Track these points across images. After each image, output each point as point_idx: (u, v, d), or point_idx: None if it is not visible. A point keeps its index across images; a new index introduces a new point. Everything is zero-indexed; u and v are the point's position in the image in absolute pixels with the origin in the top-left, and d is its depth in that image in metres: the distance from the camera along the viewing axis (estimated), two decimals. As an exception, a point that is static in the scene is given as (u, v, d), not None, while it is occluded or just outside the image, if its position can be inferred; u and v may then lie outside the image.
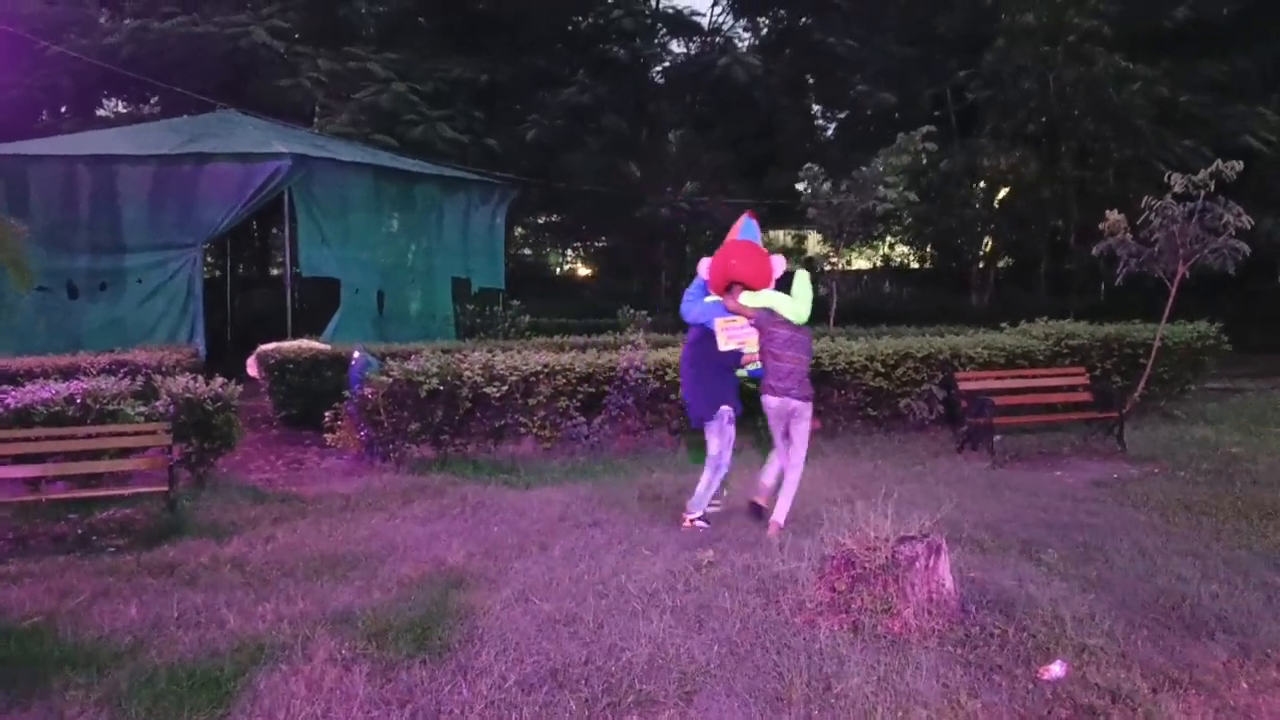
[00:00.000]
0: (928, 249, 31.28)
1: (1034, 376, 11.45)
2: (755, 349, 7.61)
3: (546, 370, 10.72)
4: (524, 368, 10.65)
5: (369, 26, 26.20)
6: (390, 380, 10.37)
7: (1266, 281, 25.04)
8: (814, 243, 33.16)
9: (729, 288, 7.67)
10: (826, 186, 17.81)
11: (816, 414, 11.06)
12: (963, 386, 11.15)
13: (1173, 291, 12.41)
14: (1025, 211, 21.94)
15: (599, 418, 10.96)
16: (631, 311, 18.22)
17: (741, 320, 7.65)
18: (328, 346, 13.80)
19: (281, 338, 15.30)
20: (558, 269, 42.47)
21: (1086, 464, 10.33)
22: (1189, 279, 12.43)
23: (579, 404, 10.91)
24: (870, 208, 16.77)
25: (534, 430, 10.74)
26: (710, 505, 7.85)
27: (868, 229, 18.69)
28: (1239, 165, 11.63)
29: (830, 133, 32.10)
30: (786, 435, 7.54)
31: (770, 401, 7.51)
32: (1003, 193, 24.75)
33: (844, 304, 18.46)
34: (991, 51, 21.32)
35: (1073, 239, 21.11)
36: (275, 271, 30.16)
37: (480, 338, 16.44)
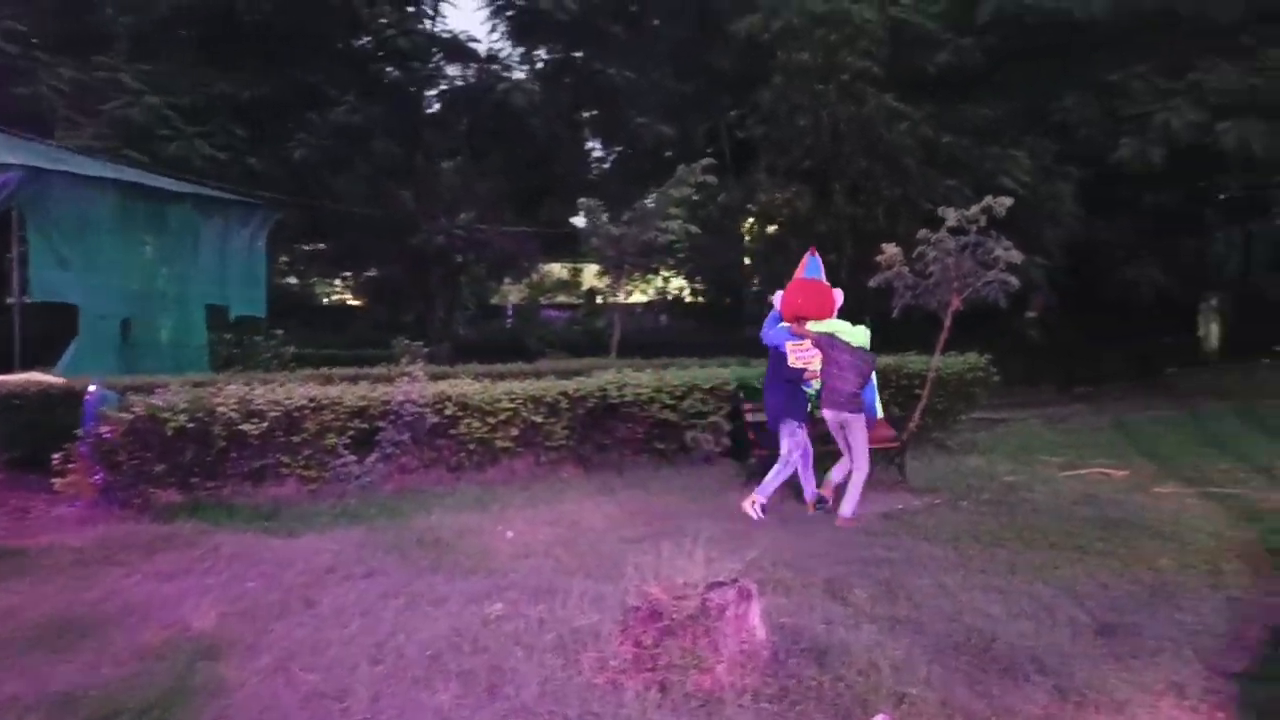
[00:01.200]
0: (703, 282, 31.63)
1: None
2: (817, 368, 9.29)
3: (313, 405, 9.85)
4: (287, 402, 9.75)
5: (120, 36, 24.24)
6: (132, 417, 9.25)
7: (1017, 315, 26.51)
8: (591, 275, 33.08)
9: (797, 317, 9.36)
10: (606, 218, 17.57)
11: (601, 447, 10.78)
12: (750, 418, 10.97)
13: (946, 323, 12.57)
14: (800, 246, 22.39)
15: (372, 456, 10.16)
16: (406, 342, 17.37)
17: (807, 344, 9.38)
18: (61, 380, 12.37)
19: (7, 370, 13.67)
20: (326, 298, 40.68)
21: (872, 495, 10.23)
22: (962, 311, 12.63)
23: (349, 441, 10.08)
24: (651, 239, 16.60)
25: (298, 470, 9.83)
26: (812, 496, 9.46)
27: (648, 261, 18.55)
28: (1009, 201, 11.91)
29: (608, 165, 32.10)
30: (847, 444, 9.18)
31: (827, 414, 9.23)
32: (771, 228, 25.40)
33: (625, 336, 18.22)
34: (767, 88, 21.73)
35: (844, 273, 21.60)
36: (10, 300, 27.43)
37: (238, 369, 15.21)
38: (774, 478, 9.16)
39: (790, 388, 9.45)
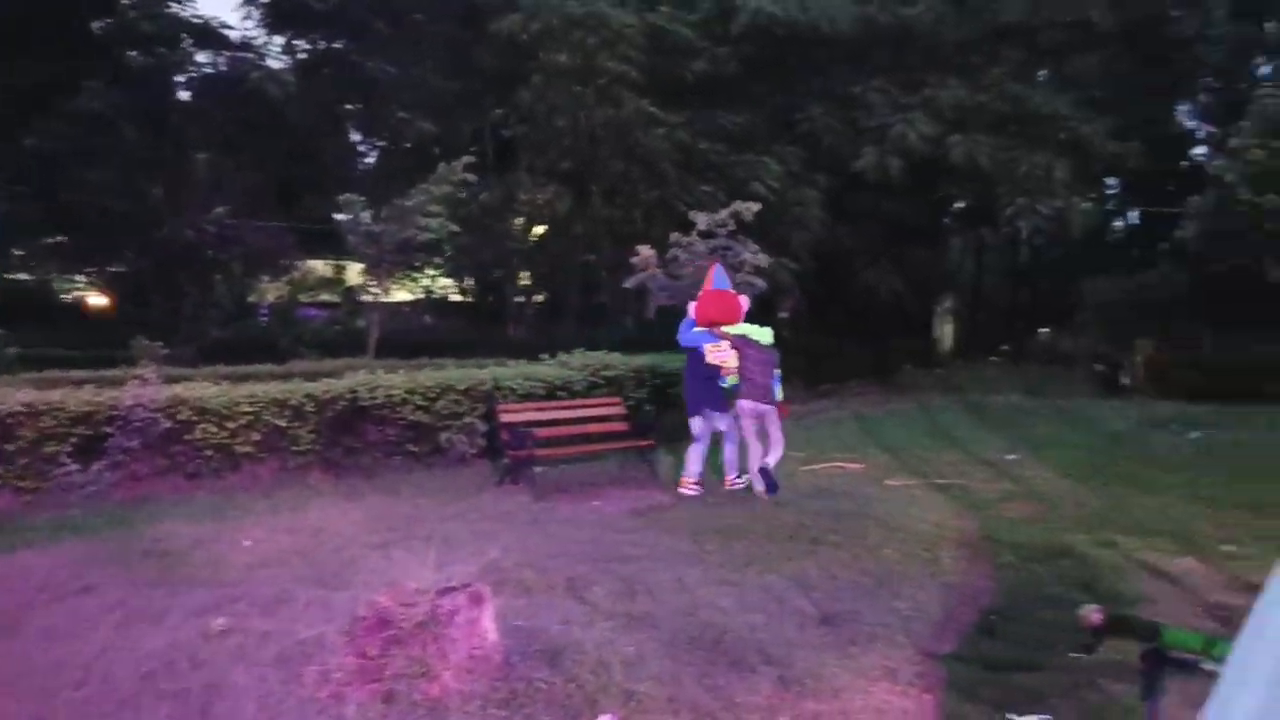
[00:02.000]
0: (468, 281, 31.25)
1: (573, 407, 11.50)
2: (734, 365, 10.34)
3: (28, 411, 9.08)
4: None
5: None
6: None
7: (769, 316, 27.38)
8: (355, 273, 32.07)
9: (712, 323, 10.51)
10: (367, 215, 17.07)
11: (351, 451, 10.51)
12: (504, 419, 10.91)
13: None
14: (560, 246, 22.50)
15: (99, 464, 9.46)
16: (145, 342, 16.30)
17: (725, 344, 10.43)
18: None
19: None
20: (66, 296, 37.70)
21: (625, 493, 10.44)
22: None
23: (72, 449, 9.35)
24: (411, 237, 16.24)
25: (13, 481, 9.04)
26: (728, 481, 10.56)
27: (408, 259, 18.15)
28: (756, 206, 12.39)
29: (372, 160, 31.27)
30: (762, 430, 10.26)
31: (746, 405, 10.23)
32: (538, 230, 25.38)
33: (385, 336, 17.74)
34: (527, 89, 21.64)
35: (604, 274, 21.84)
36: None
37: (-50, 373, 13.91)
38: (733, 456, 10.71)
39: (708, 383, 10.60)
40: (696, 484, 10.41)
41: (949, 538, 8.34)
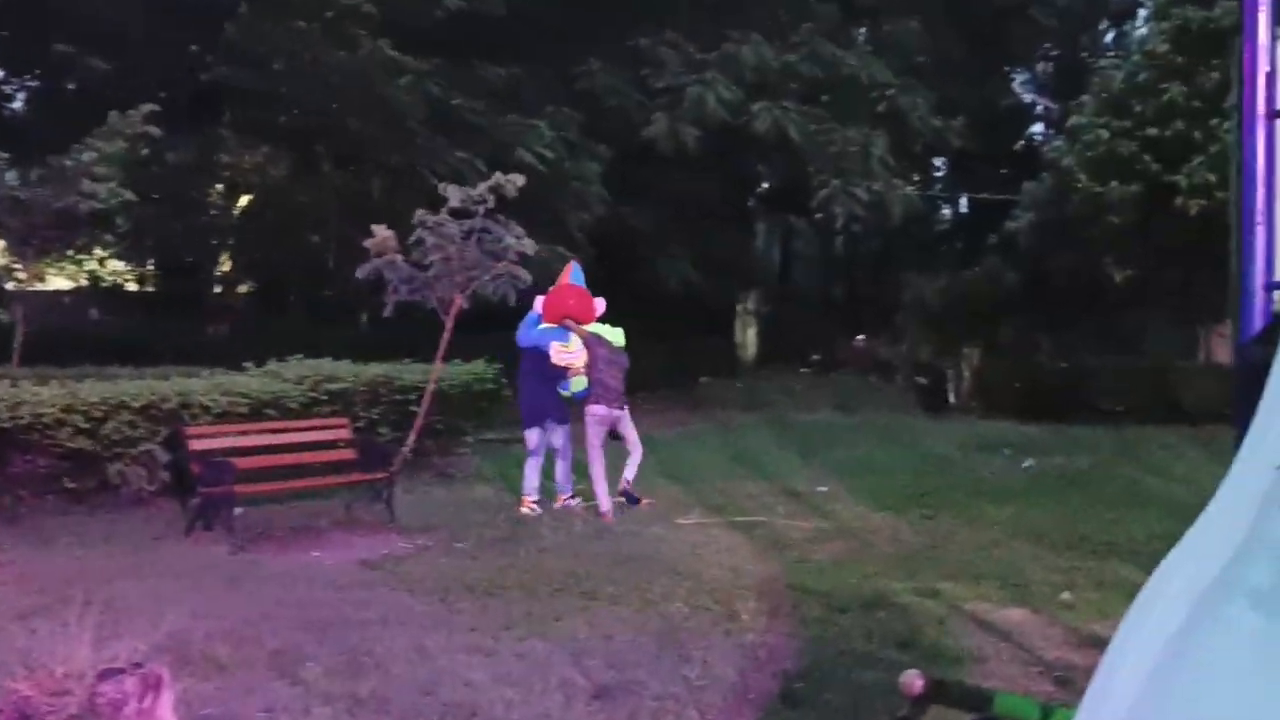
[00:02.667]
0: (150, 266, 29.83)
1: (287, 431, 11.28)
2: (581, 366, 11.54)
3: None
4: None
5: None
6: None
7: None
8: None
9: (563, 320, 11.63)
10: (12, 176, 16.08)
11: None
12: (194, 446, 10.46)
13: (448, 325, 12.79)
14: (276, 223, 21.77)
15: None
16: None
17: (573, 345, 11.63)
18: None
19: None
20: None
21: (353, 539, 10.29)
22: (467, 310, 12.91)
23: None
24: (71, 206, 15.34)
25: None
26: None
27: (67, 235, 17.16)
28: (520, 180, 12.31)
29: (18, 105, 29.47)
30: (614, 435, 11.70)
31: (599, 410, 11.48)
32: (244, 200, 24.50)
33: (36, 336, 16.67)
34: (235, 22, 20.87)
35: (332, 259, 21.32)
36: None
37: None
38: (566, 474, 12.17)
39: (550, 389, 11.80)
40: (536, 503, 11.62)
41: (748, 586, 8.53)
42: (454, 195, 12.44)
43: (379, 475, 11.05)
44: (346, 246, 19.44)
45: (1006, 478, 14.76)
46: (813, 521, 11.52)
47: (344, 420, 11.78)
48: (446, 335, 12.90)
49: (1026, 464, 15.92)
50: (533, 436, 11.89)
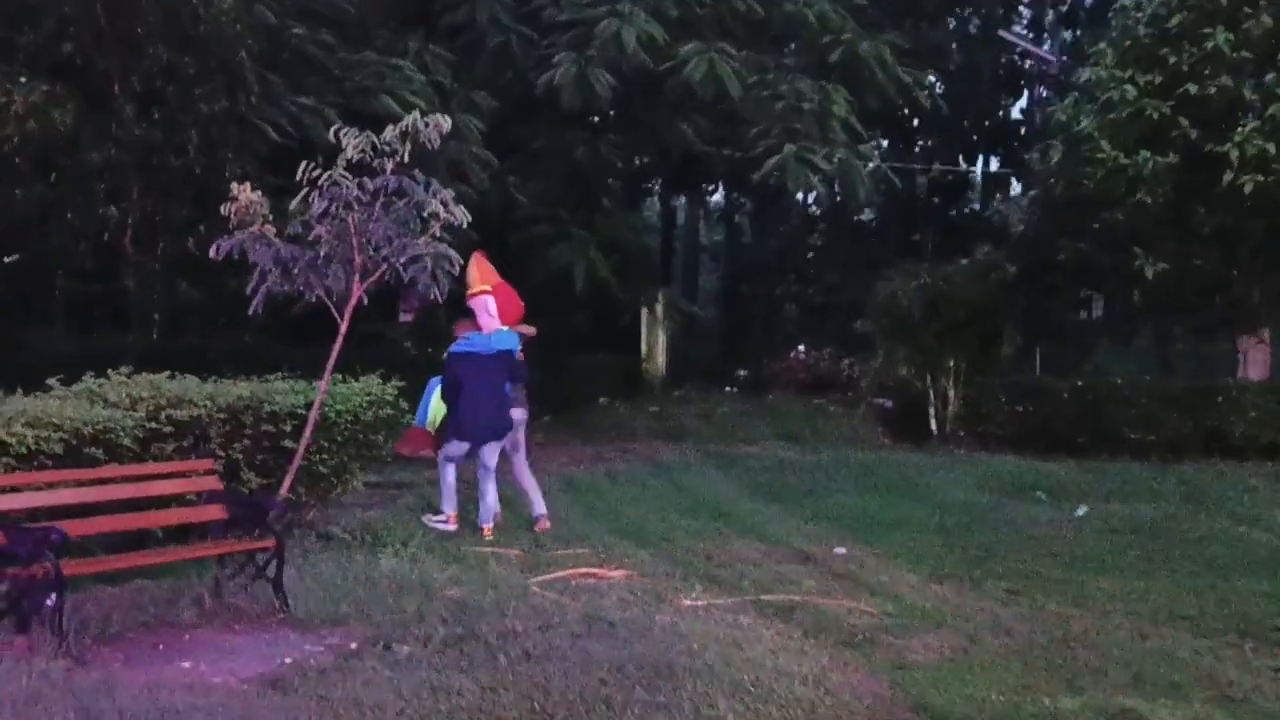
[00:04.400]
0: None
1: (125, 479, 9.50)
2: None
3: None
4: None
5: None
6: None
7: (383, 320, 25.81)
8: None
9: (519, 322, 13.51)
10: None
11: None
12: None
13: (342, 328, 11.49)
14: (56, 186, 19.77)
15: None
16: None
17: None
18: None
19: None
20: None
21: (233, 639, 8.64)
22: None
23: None
24: None
25: None
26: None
27: None
28: (447, 124, 11.08)
29: None
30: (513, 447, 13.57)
31: (518, 415, 13.45)
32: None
33: None
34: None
35: (129, 237, 19.41)
36: None
37: None
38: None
39: (500, 400, 13.12)
40: (455, 519, 13.22)
41: (860, 714, 7.31)
42: (351, 144, 10.90)
43: (262, 544, 9.32)
44: (157, 217, 17.77)
45: (1067, 534, 14.34)
46: (863, 599, 10.56)
47: (208, 462, 9.99)
48: (338, 342, 11.55)
49: (1079, 513, 15.49)
50: (458, 449, 13.26)
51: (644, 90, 24.03)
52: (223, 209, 11.16)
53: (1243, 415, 20.63)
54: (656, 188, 35.88)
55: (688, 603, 10.08)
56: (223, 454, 10.95)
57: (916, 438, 23.14)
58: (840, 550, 12.84)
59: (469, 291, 13.22)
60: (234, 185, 11.23)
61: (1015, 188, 37.15)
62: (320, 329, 13.32)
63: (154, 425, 10.61)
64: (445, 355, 13.36)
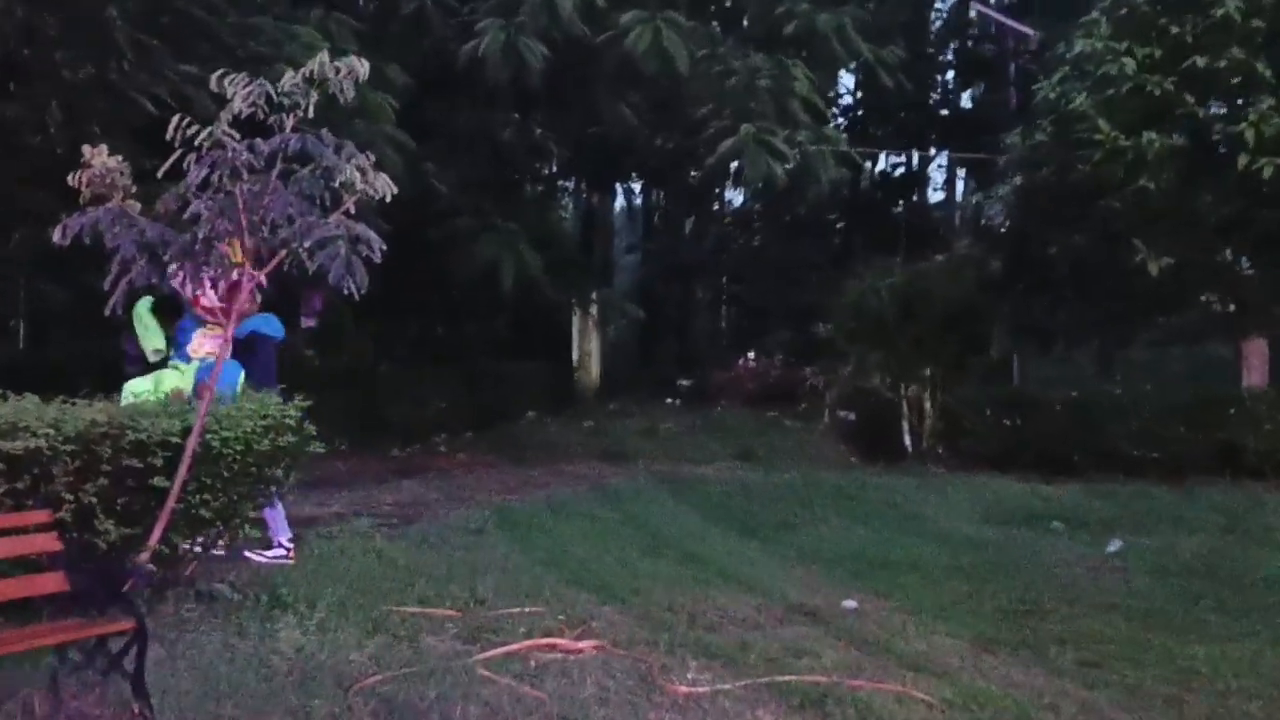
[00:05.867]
0: None
1: None
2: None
3: None
4: None
5: None
6: None
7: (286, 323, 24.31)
8: None
9: None
10: None
11: None
12: None
13: (227, 331, 9.78)
14: None
15: None
16: None
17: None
18: None
19: None
20: None
21: None
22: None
23: None
24: None
25: None
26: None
27: None
28: (362, 70, 9.23)
29: None
30: None
31: None
32: None
33: None
34: None
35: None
36: None
37: None
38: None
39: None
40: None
41: None
42: (240, 92, 8.91)
43: (117, 625, 7.25)
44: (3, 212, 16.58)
45: (1110, 577, 12.92)
46: (906, 679, 8.69)
47: (43, 514, 7.83)
48: (222, 347, 9.73)
49: (1111, 549, 14.21)
50: None
51: (578, 65, 22.67)
52: (70, 178, 9.09)
53: (1256, 428, 19.23)
54: (570, 181, 34.73)
55: (684, 689, 8.19)
56: (71, 497, 8.94)
57: (888, 455, 21.80)
58: (849, 604, 11.15)
59: None
60: (85, 149, 9.10)
61: (962, 182, 36.83)
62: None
63: None
64: (250, 334, 12.02)
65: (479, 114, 23.61)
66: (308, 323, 24.71)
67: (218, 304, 11.39)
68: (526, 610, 10.37)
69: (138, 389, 11.40)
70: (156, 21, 19.02)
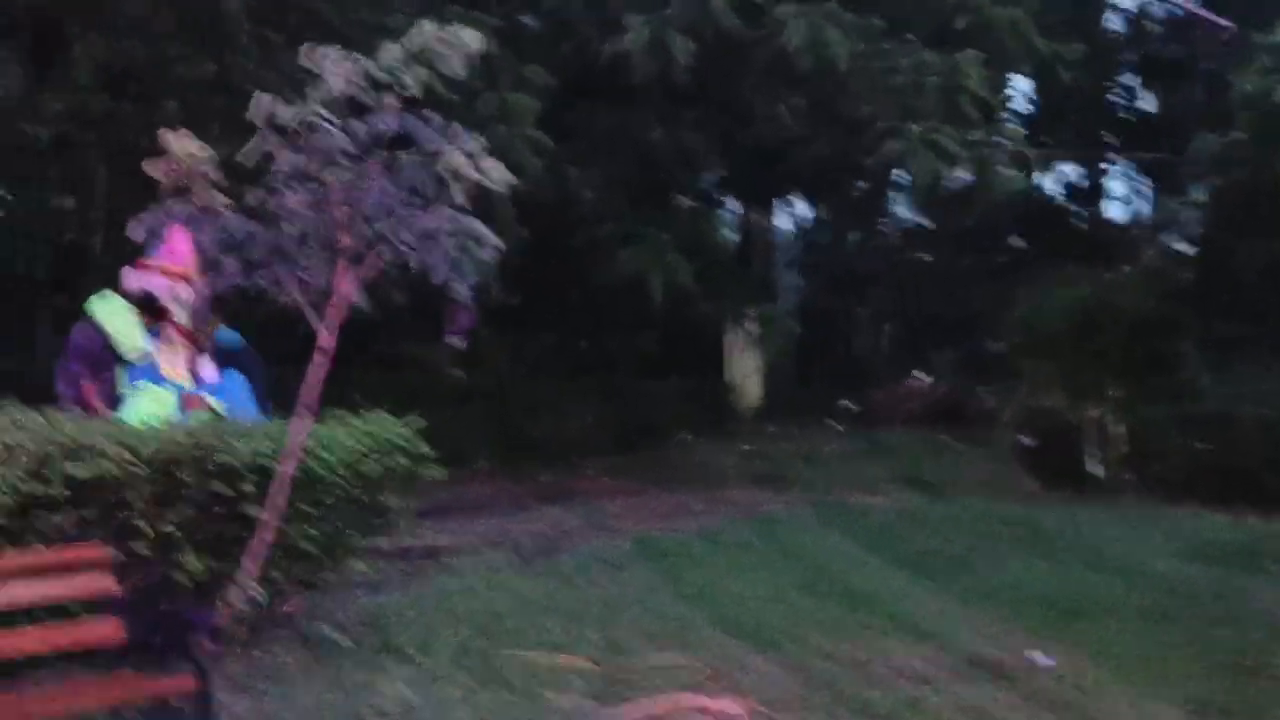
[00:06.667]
0: None
1: None
2: None
3: None
4: None
5: None
6: None
7: (423, 339, 24.66)
8: None
9: None
10: None
11: None
12: None
13: (325, 337, 9.04)
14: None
15: None
16: None
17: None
18: None
19: None
20: None
21: None
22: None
23: None
24: None
25: None
26: None
27: None
28: (478, 43, 8.70)
29: None
30: None
31: None
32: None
33: None
34: None
35: (100, 238, 17.74)
36: None
37: None
38: None
39: None
40: None
41: None
42: (336, 70, 8.47)
43: (175, 681, 6.68)
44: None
45: None
46: None
47: (95, 549, 7.11)
48: (320, 357, 8.94)
49: None
50: None
51: (730, 62, 22.19)
52: (146, 166, 8.87)
53: None
54: (724, 192, 34.64)
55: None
56: (148, 528, 8.38)
57: (1072, 482, 20.68)
58: (1043, 659, 9.98)
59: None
60: (164, 135, 8.85)
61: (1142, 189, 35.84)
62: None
63: (40, 488, 7.98)
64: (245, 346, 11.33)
65: (623, 114, 23.30)
66: (455, 340, 24.44)
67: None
68: (670, 659, 9.59)
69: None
70: (283, 19, 19.06)
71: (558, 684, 8.85)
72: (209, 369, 10.45)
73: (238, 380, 10.71)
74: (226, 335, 10.96)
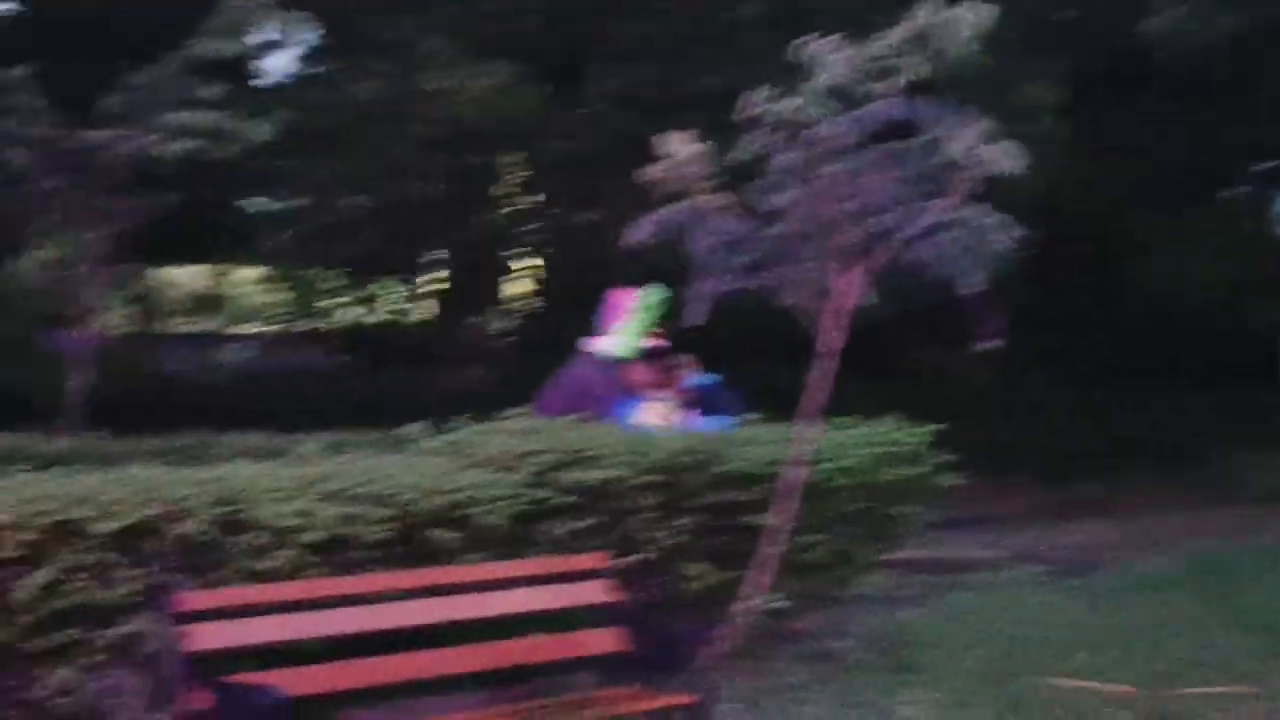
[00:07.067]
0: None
1: (437, 589, 7.16)
2: None
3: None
4: None
5: None
6: None
7: (937, 342, 24.52)
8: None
9: None
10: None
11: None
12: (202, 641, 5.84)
13: (827, 345, 8.96)
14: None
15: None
16: None
17: None
18: None
19: None
20: None
21: None
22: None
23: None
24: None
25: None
26: None
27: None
28: (988, 13, 8.37)
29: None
30: None
31: None
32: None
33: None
34: None
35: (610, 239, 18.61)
36: None
37: None
38: None
39: None
40: None
41: None
42: (835, 59, 8.26)
43: (674, 698, 6.75)
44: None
45: None
46: None
47: (600, 559, 7.55)
48: (824, 364, 8.77)
49: None
50: None
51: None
52: (648, 170, 8.85)
53: None
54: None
55: None
56: (651, 538, 8.63)
57: None
58: None
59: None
60: (659, 139, 8.88)
61: None
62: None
63: (542, 493, 8.17)
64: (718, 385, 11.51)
65: (1152, 104, 22.47)
66: (988, 344, 24.11)
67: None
68: (1221, 689, 8.91)
69: None
70: (793, 20, 19.01)
71: (1097, 716, 8.52)
72: (681, 416, 10.69)
73: (713, 425, 10.61)
74: (700, 380, 11.20)
